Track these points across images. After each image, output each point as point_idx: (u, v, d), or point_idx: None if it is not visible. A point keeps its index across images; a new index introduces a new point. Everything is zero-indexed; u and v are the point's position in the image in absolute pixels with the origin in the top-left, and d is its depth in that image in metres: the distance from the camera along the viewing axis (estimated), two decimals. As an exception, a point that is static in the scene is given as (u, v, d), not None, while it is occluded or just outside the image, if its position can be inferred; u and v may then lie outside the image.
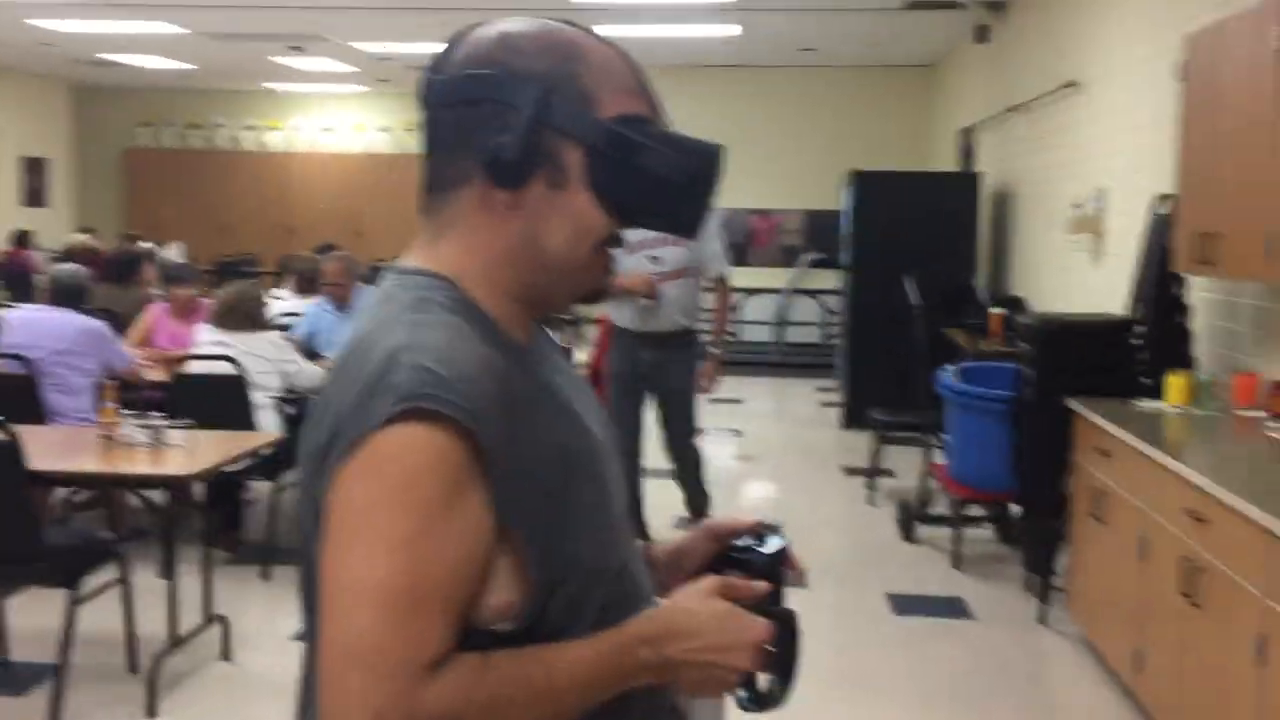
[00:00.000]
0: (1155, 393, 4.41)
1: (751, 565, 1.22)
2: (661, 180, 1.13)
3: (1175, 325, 4.60)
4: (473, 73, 1.13)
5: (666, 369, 5.40)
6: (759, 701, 1.15)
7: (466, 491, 1.03)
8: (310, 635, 1.13)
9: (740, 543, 1.25)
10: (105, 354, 5.23)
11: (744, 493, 7.03)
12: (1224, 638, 3.09)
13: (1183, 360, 4.50)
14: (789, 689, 1.16)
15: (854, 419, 8.66)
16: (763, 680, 1.15)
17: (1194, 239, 4.14)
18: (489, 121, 1.11)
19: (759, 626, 1.12)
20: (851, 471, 7.41)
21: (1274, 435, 3.74)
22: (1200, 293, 4.80)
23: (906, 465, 7.26)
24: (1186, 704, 3.38)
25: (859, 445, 7.87)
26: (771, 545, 1.23)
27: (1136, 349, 4.64)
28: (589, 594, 1.12)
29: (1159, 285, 4.59)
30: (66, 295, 5.21)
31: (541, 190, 1.13)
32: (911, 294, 6.80)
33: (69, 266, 5.30)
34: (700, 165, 1.14)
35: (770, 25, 10.07)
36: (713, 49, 11.43)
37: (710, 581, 1.16)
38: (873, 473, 6.82)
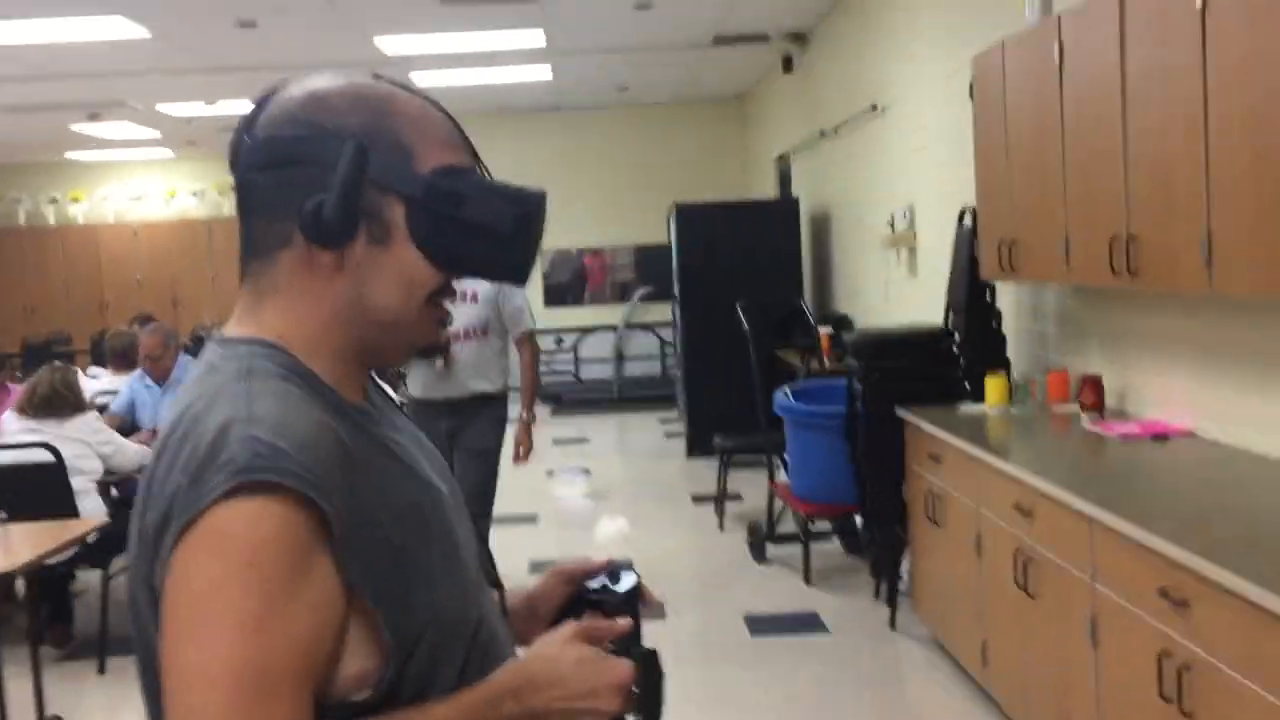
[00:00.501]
0: (977, 396, 4.61)
1: (607, 605, 1.22)
2: (486, 229, 1.12)
3: (989, 330, 4.82)
4: (284, 133, 1.11)
5: (460, 435, 5.06)
6: None
7: (312, 563, 1.00)
8: (159, 716, 1.08)
9: (594, 584, 1.25)
10: None
11: (597, 530, 7.03)
12: (1059, 624, 3.24)
13: (998, 362, 4.72)
14: None
15: (698, 447, 8.77)
16: None
17: (996, 247, 4.36)
18: (305, 182, 1.09)
19: (621, 668, 1.12)
20: (700, 499, 7.50)
21: (1088, 428, 3.95)
22: (1008, 297, 5.04)
23: (753, 488, 7.39)
24: (1031, 690, 3.52)
25: (706, 473, 7.97)
26: (625, 583, 1.24)
27: (955, 355, 4.85)
28: (447, 651, 1.10)
29: (970, 293, 4.80)
30: None
31: (365, 248, 1.11)
32: (742, 320, 6.95)
33: None
34: (524, 211, 1.14)
35: (581, 68, 10.19)
36: (529, 94, 11.50)
37: (569, 628, 1.15)
38: (720, 498, 6.92)
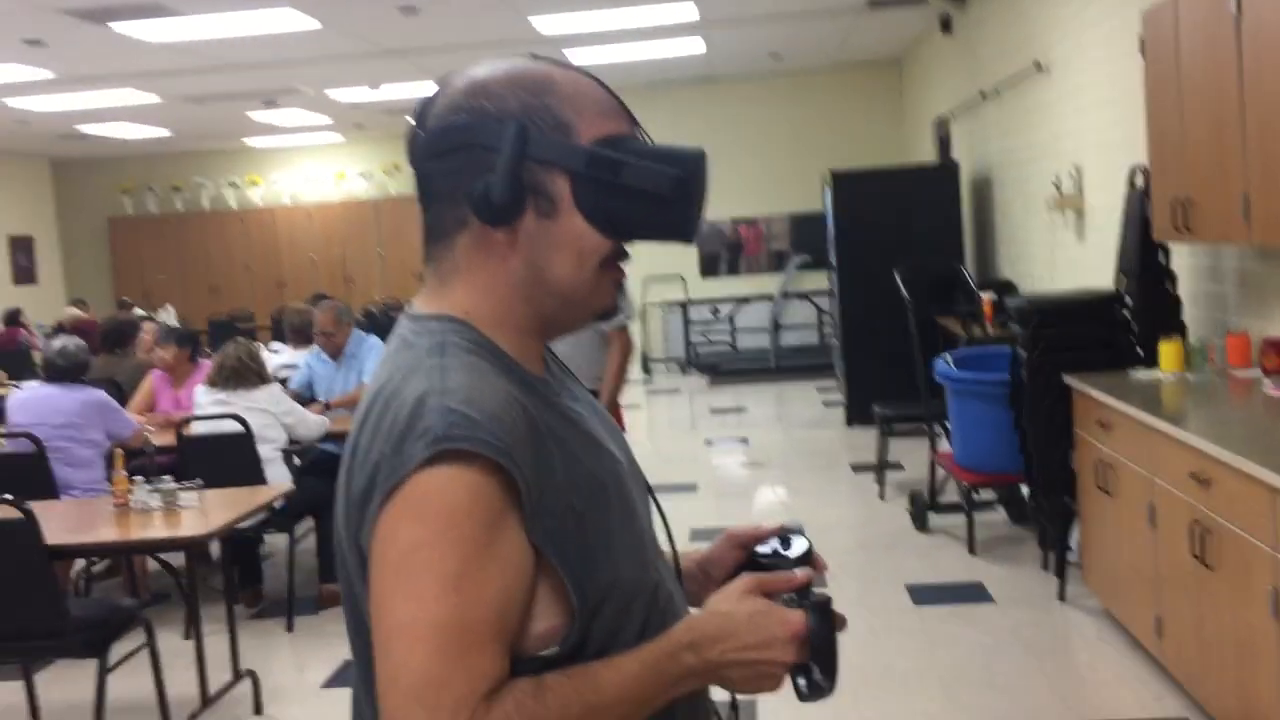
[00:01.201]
0: (1149, 362, 4.45)
1: (779, 570, 1.24)
2: (648, 192, 1.16)
3: (1162, 293, 4.65)
4: (451, 122, 1.17)
5: None
6: (808, 691, 1.18)
7: (504, 526, 1.07)
8: (361, 678, 1.17)
9: (765, 548, 1.27)
10: (109, 423, 5.27)
11: (756, 499, 7.07)
12: (1239, 596, 3.13)
13: (1172, 327, 4.55)
14: (834, 675, 1.18)
15: (856, 415, 8.70)
16: (805, 671, 1.17)
17: (1169, 207, 4.20)
18: (474, 166, 1.15)
19: (794, 618, 1.15)
20: (860, 468, 7.45)
21: (1270, 393, 3.78)
22: (1184, 259, 4.85)
23: (914, 457, 7.30)
24: (1210, 665, 3.42)
25: (865, 442, 7.92)
26: (797, 548, 1.25)
27: (1126, 320, 4.70)
28: (628, 614, 1.16)
29: (1142, 255, 4.64)
30: (64, 371, 5.25)
31: (534, 222, 1.16)
32: (900, 287, 6.85)
33: (65, 341, 5.33)
34: (685, 171, 1.17)
35: (734, 38, 10.15)
36: (682, 66, 11.52)
37: (743, 581, 1.19)
38: (881, 467, 6.86)
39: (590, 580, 1.12)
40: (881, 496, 6.72)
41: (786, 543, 1.26)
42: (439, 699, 1.02)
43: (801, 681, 1.17)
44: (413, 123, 1.22)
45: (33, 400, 5.26)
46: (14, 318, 12.36)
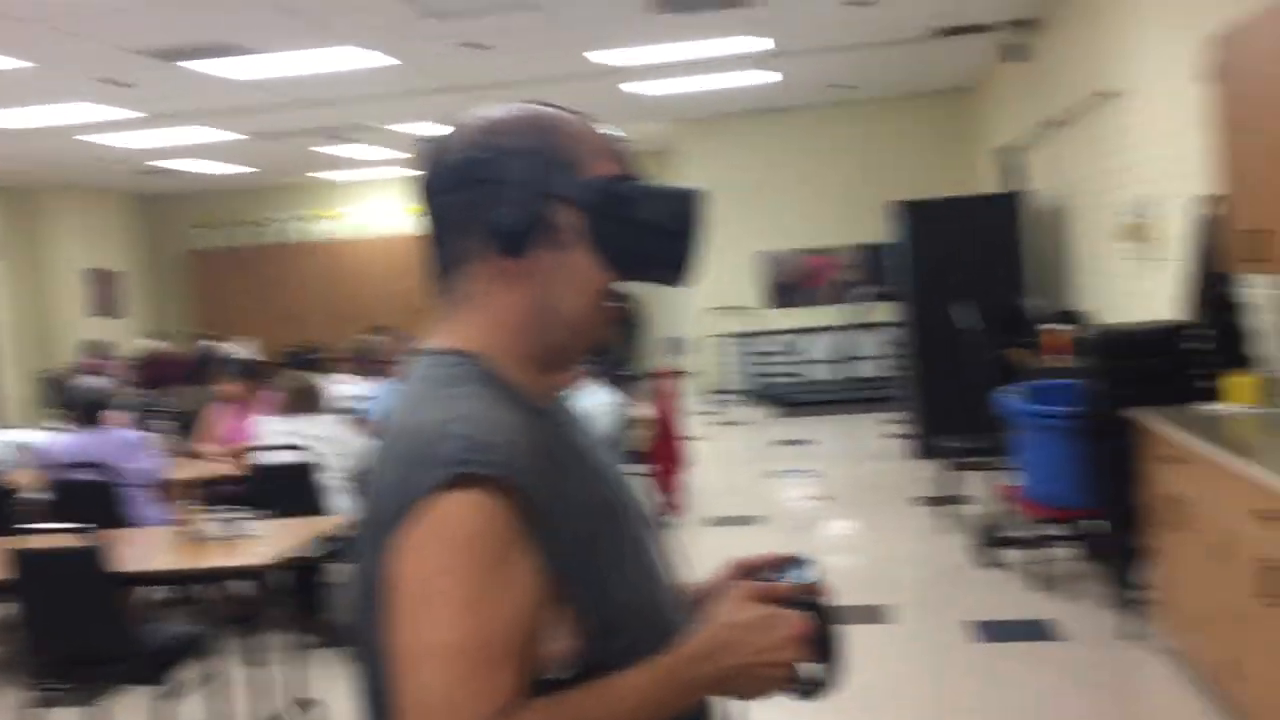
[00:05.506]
0: (1218, 395, 4.34)
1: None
2: (654, 227, 1.22)
3: (1229, 325, 4.53)
4: (471, 156, 1.23)
5: None
6: (813, 690, 1.22)
7: (518, 549, 1.09)
8: (373, 703, 1.19)
9: (774, 576, 1.29)
10: (136, 463, 5.24)
11: (821, 531, 7.00)
12: (1313, 638, 3.03)
13: (1245, 360, 4.43)
14: (836, 675, 1.22)
15: (924, 449, 8.59)
16: (811, 669, 1.21)
17: (1244, 237, 4.10)
18: (491, 198, 1.21)
19: (796, 619, 1.19)
20: (925, 501, 7.35)
21: (1346, 427, 3.67)
22: (1259, 290, 4.73)
23: (982, 491, 7.18)
24: (1284, 710, 3.30)
25: (932, 475, 7.81)
26: (804, 575, 1.28)
27: (1196, 353, 4.59)
28: (638, 635, 1.18)
29: (1212, 286, 4.54)
30: (87, 411, 5.24)
31: (546, 254, 1.22)
32: (969, 318, 6.77)
33: (88, 382, 5.43)
34: (686, 209, 1.23)
35: (807, 68, 10.16)
36: (749, 95, 11.54)
37: (742, 589, 1.23)
38: (946, 500, 6.76)
39: (604, 602, 1.15)
40: (946, 530, 6.62)
41: (795, 571, 1.28)
42: (458, 719, 1.04)
43: (807, 680, 1.20)
44: (428, 160, 1.27)
45: (71, 445, 5.25)
46: (95, 349, 12.69)
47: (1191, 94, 5.26)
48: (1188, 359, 4.58)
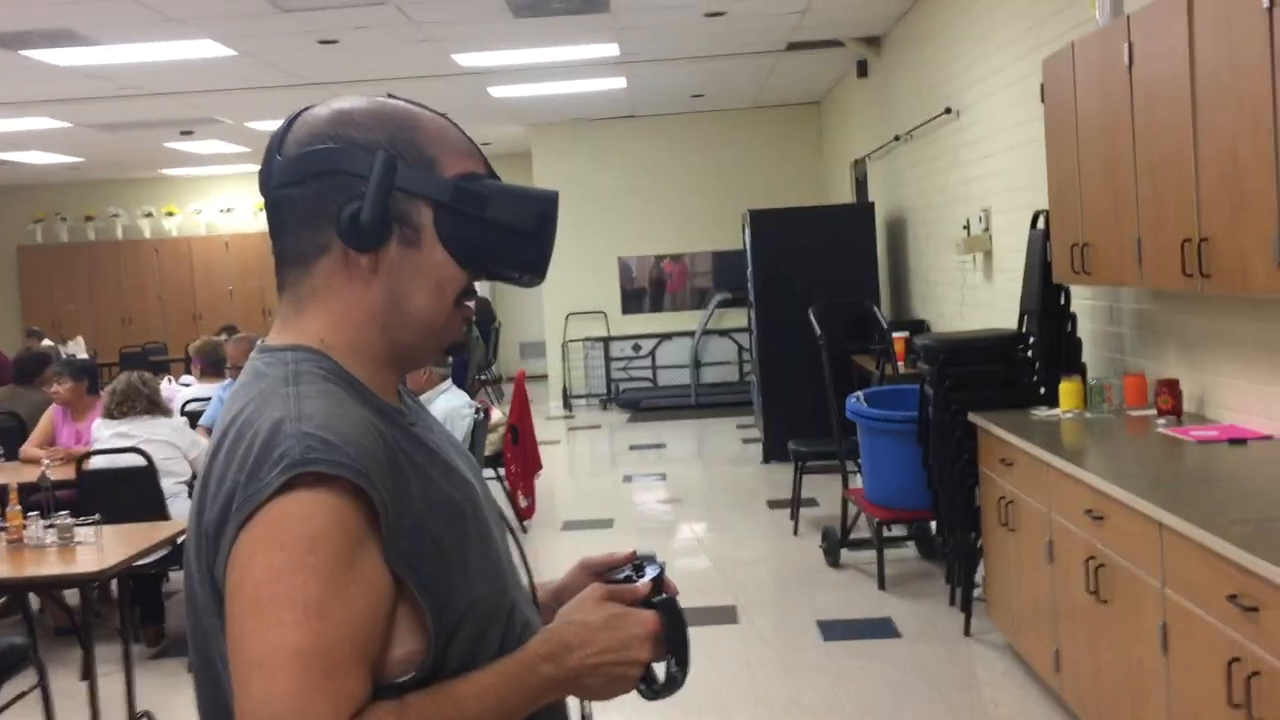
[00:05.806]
0: (1051, 401, 4.56)
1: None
2: (508, 228, 1.20)
3: (1063, 334, 4.77)
4: (317, 148, 1.19)
5: None
6: (664, 688, 1.23)
7: (364, 549, 1.06)
8: (213, 714, 1.16)
9: (619, 575, 1.30)
10: None
11: (673, 535, 7.07)
12: (1130, 630, 3.21)
13: (1073, 367, 4.66)
14: (686, 671, 1.24)
15: (774, 453, 8.76)
16: (660, 669, 1.22)
17: (1068, 250, 4.32)
18: (340, 191, 1.17)
19: (648, 617, 1.20)
20: (776, 504, 7.50)
21: (1163, 432, 3.89)
22: (1084, 300, 4.98)
23: (829, 494, 7.37)
24: (1104, 698, 3.48)
25: (782, 478, 7.97)
26: (649, 574, 1.29)
27: (1029, 360, 4.81)
28: (484, 638, 1.17)
29: (1044, 297, 4.76)
30: None
31: (398, 250, 1.19)
32: (815, 325, 6.94)
33: None
34: (542, 210, 1.22)
35: (655, 76, 10.26)
36: (606, 101, 11.60)
37: (593, 590, 1.23)
38: (795, 503, 6.91)
39: (447, 604, 1.13)
40: (796, 532, 6.77)
41: (640, 570, 1.30)
42: None
43: (657, 678, 1.22)
44: (270, 150, 1.22)
45: None
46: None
47: (1025, 113, 5.51)
48: (1022, 366, 4.80)
